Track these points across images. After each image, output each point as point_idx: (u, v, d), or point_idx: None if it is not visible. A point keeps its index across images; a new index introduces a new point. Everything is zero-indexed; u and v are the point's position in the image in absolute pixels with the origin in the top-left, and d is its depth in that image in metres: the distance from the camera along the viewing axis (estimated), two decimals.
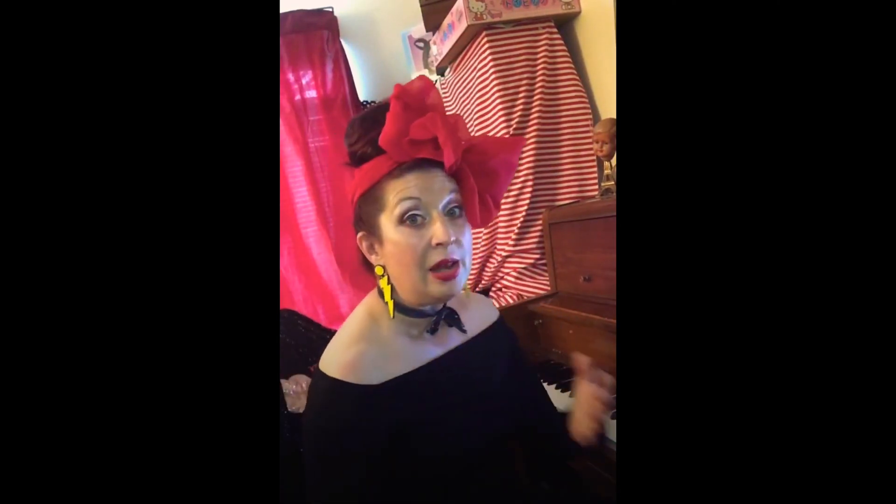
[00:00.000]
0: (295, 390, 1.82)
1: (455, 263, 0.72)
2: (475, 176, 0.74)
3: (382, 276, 0.76)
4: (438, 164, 0.72)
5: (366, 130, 0.74)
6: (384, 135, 0.71)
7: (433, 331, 0.79)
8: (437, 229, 0.71)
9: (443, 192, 0.72)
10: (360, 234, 0.77)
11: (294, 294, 2.26)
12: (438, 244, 0.71)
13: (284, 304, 2.12)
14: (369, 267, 0.79)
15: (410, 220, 0.71)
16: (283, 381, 1.85)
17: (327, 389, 0.72)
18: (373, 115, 0.74)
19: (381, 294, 0.78)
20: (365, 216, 0.76)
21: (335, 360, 0.73)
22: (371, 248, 0.77)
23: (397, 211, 0.71)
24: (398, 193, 0.71)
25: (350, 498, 0.71)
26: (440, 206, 0.72)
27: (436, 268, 0.72)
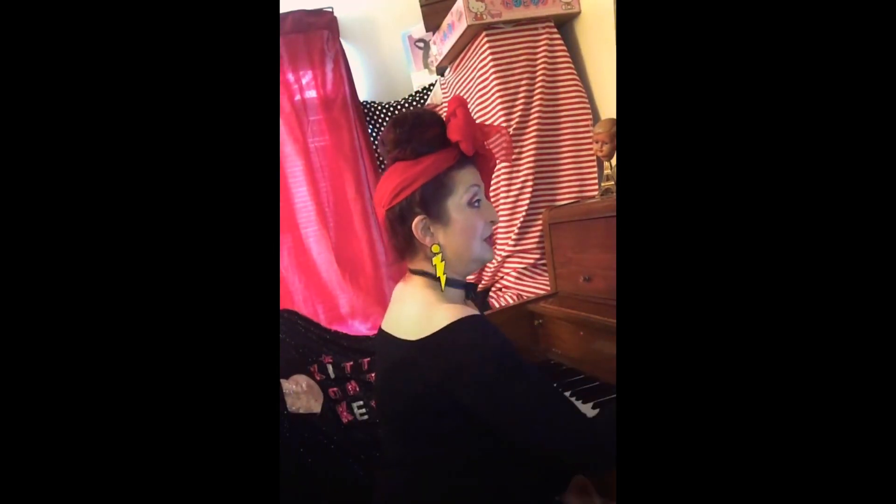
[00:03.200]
0: (295, 390, 1.81)
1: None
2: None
3: (437, 253, 0.87)
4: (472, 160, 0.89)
5: (423, 131, 0.85)
6: (465, 132, 0.84)
7: (471, 297, 0.95)
8: (493, 211, 0.90)
9: (480, 182, 0.90)
10: (418, 218, 0.86)
11: (294, 294, 2.25)
12: (491, 221, 0.90)
13: (284, 304, 2.11)
14: (406, 252, 0.89)
15: (477, 203, 0.88)
16: (283, 381, 1.84)
17: (468, 327, 0.79)
18: (425, 119, 0.87)
19: (418, 272, 0.89)
20: (427, 201, 0.85)
21: (448, 313, 0.80)
22: (427, 229, 0.86)
23: (467, 196, 0.87)
24: (466, 182, 0.87)
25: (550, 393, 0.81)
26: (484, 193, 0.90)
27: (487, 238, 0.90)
